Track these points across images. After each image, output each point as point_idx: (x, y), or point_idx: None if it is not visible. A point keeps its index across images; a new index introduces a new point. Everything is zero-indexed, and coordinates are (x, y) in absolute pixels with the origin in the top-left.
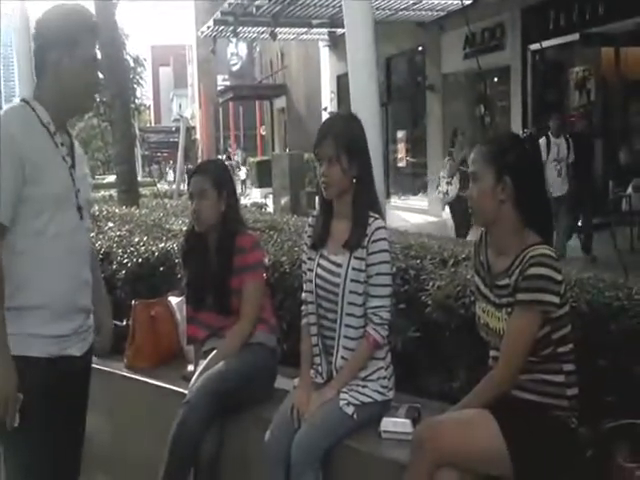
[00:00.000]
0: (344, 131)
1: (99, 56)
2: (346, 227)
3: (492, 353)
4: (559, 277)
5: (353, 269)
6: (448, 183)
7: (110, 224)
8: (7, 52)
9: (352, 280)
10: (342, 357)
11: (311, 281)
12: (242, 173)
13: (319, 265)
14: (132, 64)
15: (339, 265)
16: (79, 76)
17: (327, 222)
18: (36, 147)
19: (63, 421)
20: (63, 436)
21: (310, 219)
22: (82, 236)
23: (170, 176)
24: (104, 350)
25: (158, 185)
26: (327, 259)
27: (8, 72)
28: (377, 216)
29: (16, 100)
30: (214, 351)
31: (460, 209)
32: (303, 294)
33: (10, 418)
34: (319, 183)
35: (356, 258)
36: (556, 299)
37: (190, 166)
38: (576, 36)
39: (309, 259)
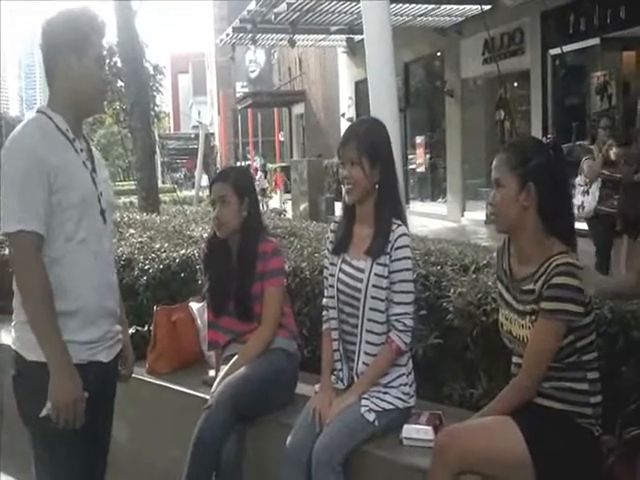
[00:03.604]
0: (367, 135)
1: (104, 53)
2: (368, 233)
3: (515, 360)
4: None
5: (375, 275)
6: (584, 192)
7: (131, 230)
8: (28, 61)
9: (374, 286)
10: (363, 363)
11: (333, 286)
12: (262, 181)
13: (341, 270)
14: (152, 72)
15: (361, 270)
16: (89, 77)
17: (349, 227)
18: (58, 156)
19: (91, 426)
20: (91, 441)
21: (332, 224)
22: (107, 239)
23: (204, 181)
24: (128, 377)
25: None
26: (349, 264)
27: (29, 80)
28: (400, 222)
29: (33, 111)
30: (235, 357)
31: (602, 228)
32: (324, 299)
33: (79, 418)
34: (342, 186)
35: (378, 264)
36: (581, 308)
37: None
38: (597, 40)
39: (331, 264)
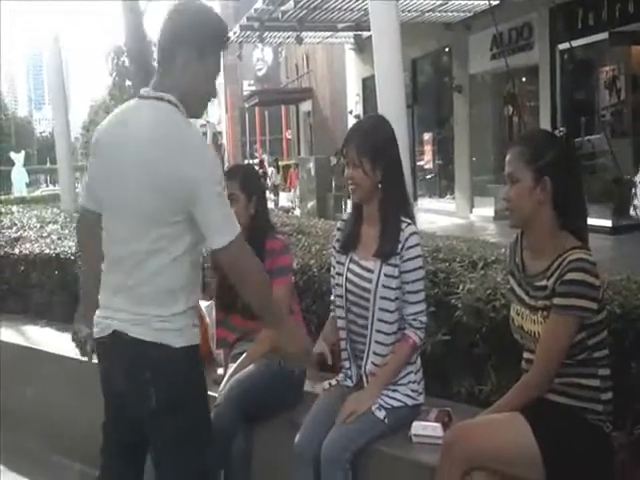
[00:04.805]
0: (368, 135)
1: (219, 68)
2: (376, 232)
3: (526, 355)
4: (597, 282)
5: (385, 275)
6: None
7: None
8: (35, 62)
9: (384, 286)
10: (372, 362)
11: (341, 285)
12: (274, 176)
13: (349, 270)
14: None
15: (370, 270)
16: (202, 83)
17: (357, 226)
18: None
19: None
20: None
21: (339, 223)
22: None
23: None
24: None
25: None
26: (358, 264)
27: (37, 81)
28: (409, 221)
29: (144, 97)
30: (244, 354)
31: None
32: (332, 297)
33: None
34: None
35: (388, 264)
36: (594, 305)
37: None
38: (605, 35)
39: (338, 263)
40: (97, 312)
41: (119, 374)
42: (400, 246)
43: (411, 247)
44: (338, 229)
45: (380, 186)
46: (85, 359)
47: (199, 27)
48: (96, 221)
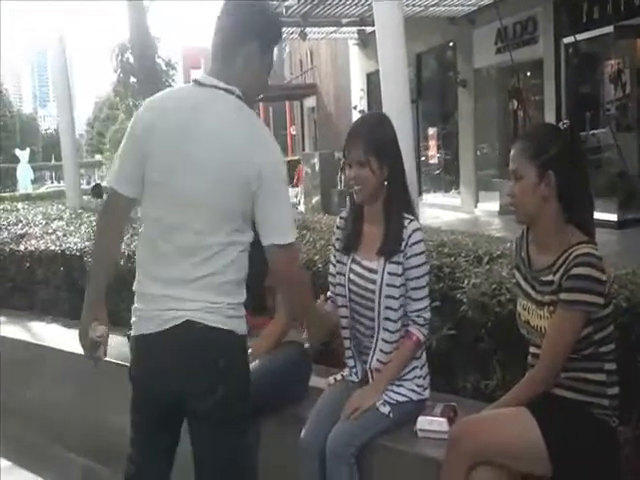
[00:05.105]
0: (373, 133)
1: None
2: (379, 232)
3: (532, 350)
4: (603, 277)
5: (389, 274)
6: None
7: None
8: (40, 59)
9: (388, 284)
10: (377, 360)
11: (343, 285)
12: None
13: (351, 270)
14: (164, 68)
15: (373, 271)
16: (260, 78)
17: (358, 225)
18: None
19: None
20: None
21: (338, 221)
22: None
23: None
24: None
25: None
26: (360, 264)
27: (42, 78)
28: (412, 217)
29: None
30: (249, 350)
31: None
32: (328, 293)
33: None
34: (350, 186)
35: (392, 262)
36: (600, 300)
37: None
38: (610, 28)
39: (339, 262)
40: (150, 305)
41: (184, 366)
42: (404, 243)
43: (415, 243)
44: (338, 227)
45: (386, 184)
46: (97, 360)
47: (266, 23)
48: (127, 207)
